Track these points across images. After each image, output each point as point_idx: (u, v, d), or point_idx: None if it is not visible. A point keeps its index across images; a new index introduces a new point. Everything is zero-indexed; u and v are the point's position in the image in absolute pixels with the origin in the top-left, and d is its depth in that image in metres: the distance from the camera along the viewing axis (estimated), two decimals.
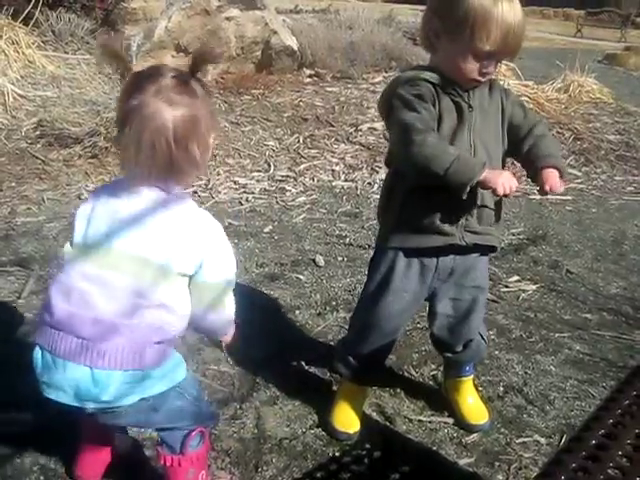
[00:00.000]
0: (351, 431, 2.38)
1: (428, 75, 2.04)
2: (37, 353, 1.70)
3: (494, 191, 1.92)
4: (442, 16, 2.00)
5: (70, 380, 1.64)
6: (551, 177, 2.04)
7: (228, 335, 2.00)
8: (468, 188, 1.90)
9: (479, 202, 2.08)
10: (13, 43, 7.07)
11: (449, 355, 2.44)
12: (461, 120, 2.05)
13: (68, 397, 1.66)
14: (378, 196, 2.38)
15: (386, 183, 2.24)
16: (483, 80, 2.05)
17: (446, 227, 2.10)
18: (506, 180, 1.90)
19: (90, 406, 1.67)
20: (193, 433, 1.88)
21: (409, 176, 2.06)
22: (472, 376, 2.56)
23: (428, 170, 1.91)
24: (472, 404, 2.52)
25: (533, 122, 2.15)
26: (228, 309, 1.86)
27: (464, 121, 2.05)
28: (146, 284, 1.65)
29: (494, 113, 2.14)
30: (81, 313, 1.64)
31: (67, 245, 1.75)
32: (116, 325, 1.63)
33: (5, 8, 7.30)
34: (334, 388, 2.60)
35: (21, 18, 7.56)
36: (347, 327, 2.58)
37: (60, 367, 1.65)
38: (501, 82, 6.80)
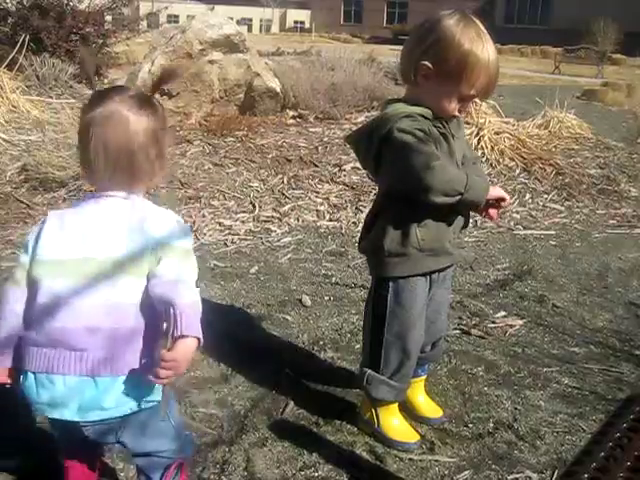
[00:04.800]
0: (418, 438, 2.55)
1: (420, 110, 2.19)
2: (29, 379, 1.71)
3: (500, 202, 2.30)
4: (435, 62, 2.15)
5: (74, 393, 1.68)
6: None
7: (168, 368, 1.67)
8: (484, 203, 2.23)
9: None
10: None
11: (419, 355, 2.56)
12: (450, 149, 2.25)
13: (71, 412, 1.69)
14: None
15: (388, 219, 2.32)
16: (461, 116, 2.30)
17: (450, 247, 2.38)
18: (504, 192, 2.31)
19: (93, 418, 1.70)
20: (173, 466, 1.92)
21: (426, 202, 2.17)
22: (425, 376, 2.75)
23: (451, 192, 2.15)
24: (423, 402, 2.72)
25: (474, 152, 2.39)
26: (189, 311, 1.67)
27: (452, 149, 2.25)
28: (123, 287, 1.69)
29: (463, 140, 2.41)
30: (72, 326, 1.67)
31: (24, 264, 1.77)
32: (108, 331, 1.67)
33: None
34: (323, 429, 2.58)
35: (5, 63, 7.62)
36: (362, 361, 2.68)
37: (59, 383, 1.68)
38: (482, 120, 6.89)
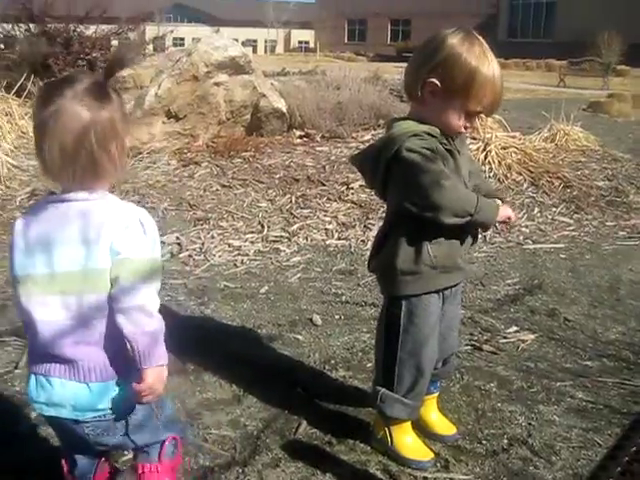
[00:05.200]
0: (432, 456, 2.53)
1: (427, 128, 2.21)
2: (31, 379, 1.81)
3: (508, 221, 2.37)
4: (443, 79, 2.18)
5: (69, 395, 1.76)
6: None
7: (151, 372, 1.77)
8: (495, 224, 2.35)
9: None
10: (6, 115, 7.18)
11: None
12: (456, 165, 2.27)
13: (68, 411, 1.77)
14: None
15: (399, 237, 2.33)
16: (467, 132, 2.33)
17: (462, 264, 2.41)
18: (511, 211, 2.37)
19: (89, 416, 1.77)
20: (166, 441, 2.01)
21: (436, 221, 2.20)
22: (437, 393, 2.72)
23: (461, 212, 2.19)
24: (436, 419, 2.71)
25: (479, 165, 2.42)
26: (143, 296, 1.73)
27: (458, 165, 2.28)
28: (90, 303, 1.72)
29: (468, 156, 2.44)
30: (57, 342, 1.73)
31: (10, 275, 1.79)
32: (91, 343, 1.74)
33: None
34: (336, 448, 2.57)
35: (14, 90, 7.69)
36: (379, 379, 2.57)
37: (57, 385, 1.77)
38: (488, 135, 6.89)
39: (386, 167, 2.24)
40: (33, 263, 1.73)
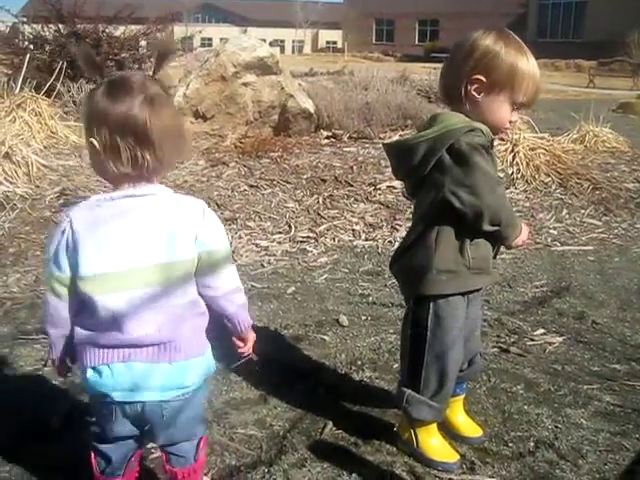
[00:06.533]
0: (458, 458, 2.54)
1: (480, 125, 2.22)
2: (103, 370, 1.83)
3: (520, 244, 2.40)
4: (487, 74, 2.20)
5: (157, 377, 1.84)
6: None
7: (248, 331, 2.06)
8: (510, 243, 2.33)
9: None
10: (36, 115, 7.26)
11: None
12: (495, 165, 2.29)
13: (153, 394, 1.85)
14: None
15: (437, 236, 2.31)
16: (510, 129, 2.38)
17: (490, 268, 2.42)
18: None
19: (172, 395, 1.87)
20: (202, 441, 2.09)
21: (473, 223, 2.22)
22: (464, 395, 2.73)
23: (498, 221, 2.22)
24: (463, 421, 2.71)
25: None
26: (233, 278, 1.95)
27: (495, 165, 2.31)
28: (180, 281, 1.83)
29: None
30: (139, 333, 1.81)
31: (60, 279, 1.79)
32: (173, 328, 1.84)
33: (28, 81, 7.50)
34: (362, 449, 2.58)
35: (44, 90, 7.77)
36: (403, 381, 2.60)
37: (139, 371, 1.83)
38: (517, 136, 6.86)
39: (438, 159, 2.20)
40: (112, 259, 1.76)
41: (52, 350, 1.95)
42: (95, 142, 1.75)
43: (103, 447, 1.99)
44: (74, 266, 1.77)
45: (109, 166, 1.76)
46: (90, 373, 1.84)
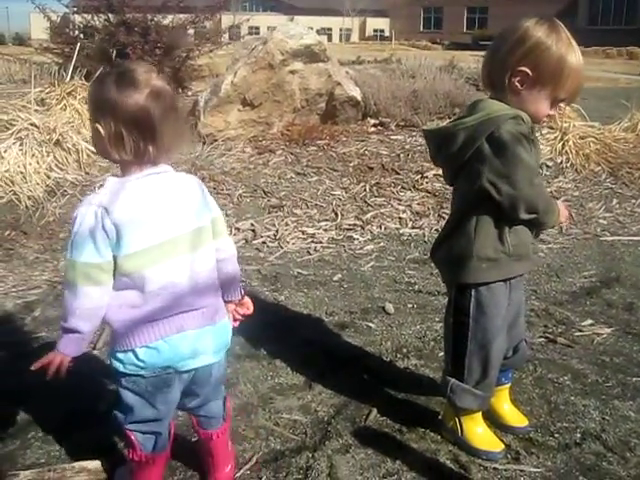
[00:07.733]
0: (502, 447, 2.53)
1: (520, 112, 2.21)
2: (160, 346, 1.91)
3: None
4: (534, 67, 2.19)
5: (209, 340, 1.99)
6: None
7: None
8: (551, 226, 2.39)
9: None
10: (86, 103, 7.34)
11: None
12: (537, 153, 2.30)
13: (209, 356, 2.01)
14: None
15: (476, 223, 2.32)
16: (548, 121, 2.31)
17: (530, 253, 2.43)
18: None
19: (221, 354, 2.07)
20: (227, 398, 2.26)
21: (509, 211, 2.24)
22: (509, 384, 2.71)
23: (535, 210, 2.23)
24: (508, 410, 2.69)
25: None
26: (232, 243, 2.15)
27: (538, 154, 2.32)
28: (207, 253, 2.00)
29: (539, 146, 2.42)
30: (189, 299, 1.94)
31: (99, 265, 1.82)
32: (211, 290, 2.01)
33: (79, 70, 7.59)
34: (406, 436, 2.59)
35: (93, 79, 7.86)
36: (450, 369, 2.54)
37: (192, 338, 1.95)
38: (566, 124, 6.76)
39: (479, 146, 2.20)
40: (155, 232, 1.86)
41: (74, 347, 1.90)
42: (100, 128, 1.84)
43: (151, 425, 2.03)
44: (116, 248, 1.82)
45: (112, 152, 1.86)
46: (143, 351, 1.89)
